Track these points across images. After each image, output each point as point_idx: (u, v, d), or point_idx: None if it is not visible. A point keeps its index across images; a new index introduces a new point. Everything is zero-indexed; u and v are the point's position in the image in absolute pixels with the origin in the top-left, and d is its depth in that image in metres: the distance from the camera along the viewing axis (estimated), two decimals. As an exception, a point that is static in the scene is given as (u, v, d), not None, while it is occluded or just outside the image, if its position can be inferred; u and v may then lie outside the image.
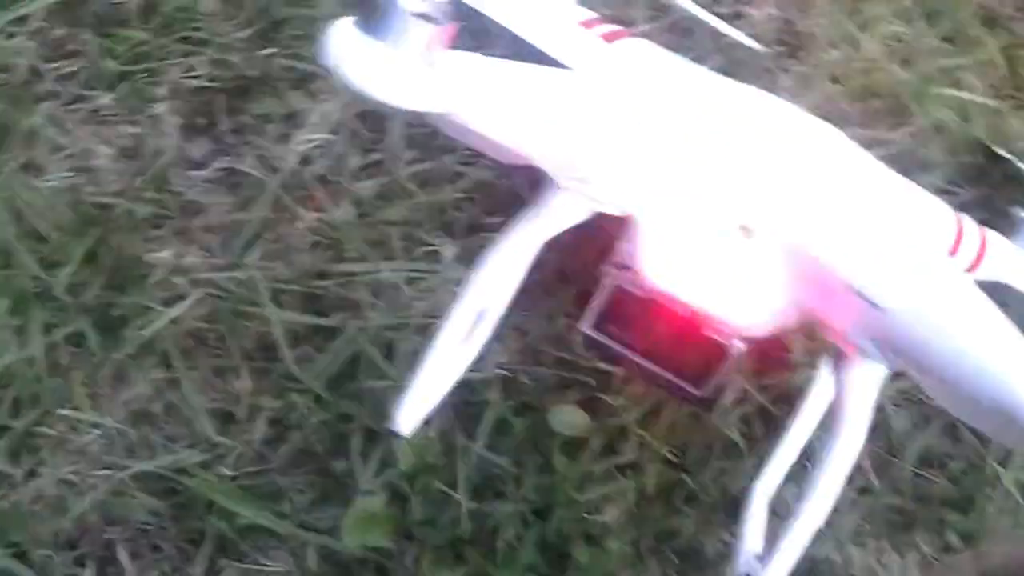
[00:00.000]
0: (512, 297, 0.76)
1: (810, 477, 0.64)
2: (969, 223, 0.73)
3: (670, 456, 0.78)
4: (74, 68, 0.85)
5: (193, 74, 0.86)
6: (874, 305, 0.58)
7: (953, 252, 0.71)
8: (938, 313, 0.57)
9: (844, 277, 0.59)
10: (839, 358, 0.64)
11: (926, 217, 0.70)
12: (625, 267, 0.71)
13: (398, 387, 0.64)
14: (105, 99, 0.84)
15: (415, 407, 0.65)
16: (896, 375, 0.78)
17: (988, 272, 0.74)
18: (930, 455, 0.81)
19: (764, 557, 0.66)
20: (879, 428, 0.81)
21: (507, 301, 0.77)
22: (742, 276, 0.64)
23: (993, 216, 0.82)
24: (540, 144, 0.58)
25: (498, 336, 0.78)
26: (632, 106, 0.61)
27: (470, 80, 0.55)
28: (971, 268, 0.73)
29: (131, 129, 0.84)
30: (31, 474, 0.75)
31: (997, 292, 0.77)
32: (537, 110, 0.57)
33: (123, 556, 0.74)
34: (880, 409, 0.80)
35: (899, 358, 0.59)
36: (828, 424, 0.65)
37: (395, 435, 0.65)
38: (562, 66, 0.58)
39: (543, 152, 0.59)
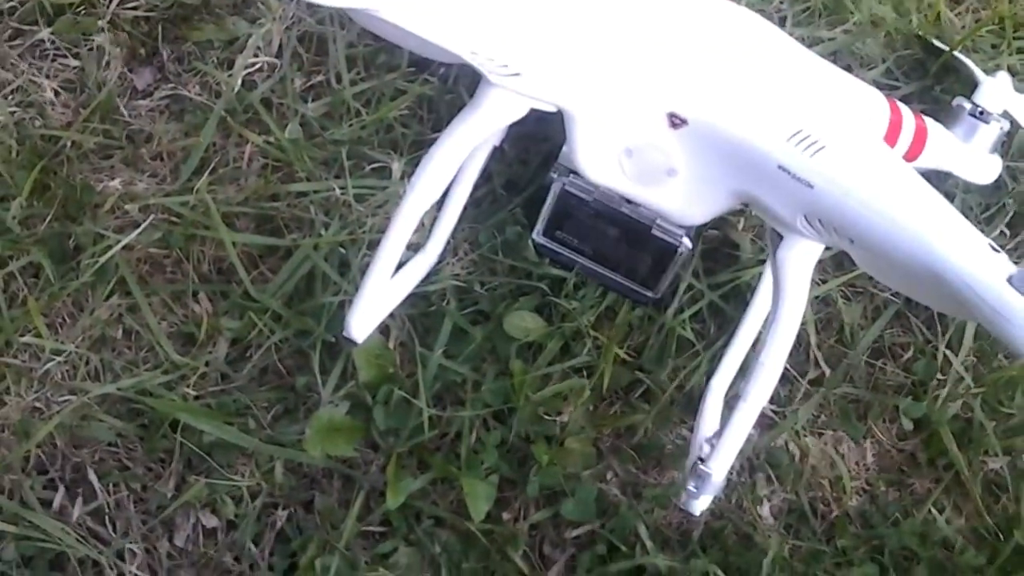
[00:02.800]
0: (461, 202, 0.83)
1: (755, 357, 0.71)
2: (907, 112, 0.79)
3: (625, 356, 0.84)
4: (12, 3, 0.90)
5: (131, 4, 0.90)
6: (801, 181, 0.64)
7: (889, 137, 0.78)
8: (860, 185, 0.62)
9: (773, 157, 0.65)
10: (774, 239, 0.70)
11: (853, 100, 0.76)
12: (571, 172, 0.77)
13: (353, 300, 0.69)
14: (44, 33, 0.89)
15: (365, 313, 0.70)
16: (843, 267, 0.85)
17: (932, 160, 0.81)
18: (882, 345, 0.87)
19: (714, 439, 0.73)
20: (831, 321, 0.87)
21: (459, 207, 0.83)
22: (675, 166, 0.70)
23: (933, 107, 0.89)
24: (470, 40, 0.62)
25: (451, 249, 0.84)
26: None
27: None
28: (911, 155, 0.80)
29: (73, 62, 0.89)
30: (-3, 403, 0.82)
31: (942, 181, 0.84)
32: (470, 6, 0.61)
33: (93, 477, 0.80)
34: (831, 302, 0.87)
35: (829, 232, 0.65)
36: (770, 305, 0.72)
37: (349, 342, 0.71)
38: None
39: (474, 47, 0.62)
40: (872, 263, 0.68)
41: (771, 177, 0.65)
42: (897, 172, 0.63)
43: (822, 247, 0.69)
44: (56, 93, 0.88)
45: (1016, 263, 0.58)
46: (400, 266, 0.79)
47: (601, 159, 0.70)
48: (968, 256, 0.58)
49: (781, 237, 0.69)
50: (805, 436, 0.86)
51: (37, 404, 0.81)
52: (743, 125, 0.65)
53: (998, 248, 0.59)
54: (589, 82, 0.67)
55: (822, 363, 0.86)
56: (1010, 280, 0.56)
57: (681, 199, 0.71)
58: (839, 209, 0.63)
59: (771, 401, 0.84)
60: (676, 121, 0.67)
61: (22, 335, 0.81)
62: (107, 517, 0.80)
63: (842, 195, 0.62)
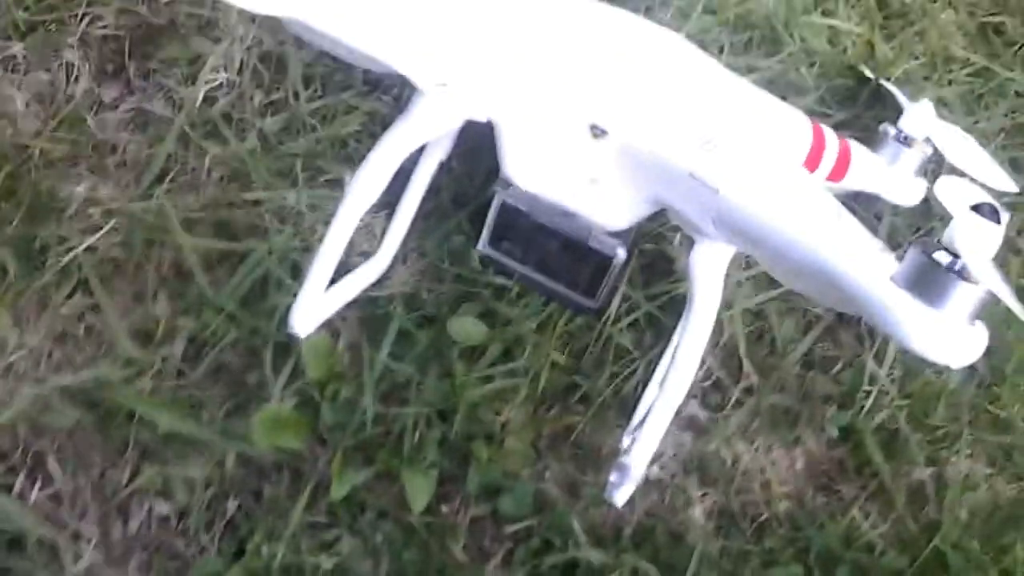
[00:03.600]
0: (410, 213, 0.93)
1: (671, 355, 0.81)
2: (831, 135, 0.90)
3: (564, 362, 0.93)
4: (-14, 19, 1.01)
5: (101, 24, 1.01)
6: (709, 187, 0.74)
7: (812, 157, 0.88)
8: (761, 191, 0.72)
9: (684, 164, 0.74)
10: (688, 243, 0.79)
11: (774, 120, 0.87)
12: (511, 185, 0.87)
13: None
14: (17, 48, 0.99)
15: (307, 309, 0.77)
16: (777, 283, 0.95)
17: (857, 181, 0.92)
18: (812, 357, 0.97)
19: (636, 431, 0.81)
20: (763, 334, 0.98)
21: (408, 217, 0.93)
22: (599, 173, 0.80)
23: (863, 133, 1.00)
24: (399, 50, 0.70)
25: (400, 257, 0.94)
26: (486, 10, 0.74)
27: None
28: (835, 175, 0.91)
29: (44, 76, 0.99)
30: (-40, 392, 0.90)
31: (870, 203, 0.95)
32: (399, 18, 0.69)
33: (52, 464, 0.90)
34: (763, 316, 0.98)
35: (735, 236, 0.74)
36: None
37: (293, 336, 0.79)
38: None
39: (402, 57, 0.70)
40: (775, 266, 0.77)
41: (683, 183, 0.74)
42: (793, 181, 0.74)
43: (733, 250, 0.77)
44: (27, 104, 0.99)
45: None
46: (351, 271, 0.90)
47: (529, 167, 0.80)
48: (854, 257, 0.66)
49: (694, 241, 0.78)
50: (737, 442, 0.94)
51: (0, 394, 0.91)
52: (655, 135, 0.75)
53: (886, 249, 0.67)
54: (514, 93, 0.76)
55: (754, 373, 0.95)
56: (892, 278, 0.65)
57: (605, 205, 0.81)
58: (740, 214, 0.72)
59: (704, 407, 0.94)
60: (597, 132, 0.78)
61: (-13, 331, 0.92)
62: (65, 501, 0.88)
63: (744, 201, 0.72)
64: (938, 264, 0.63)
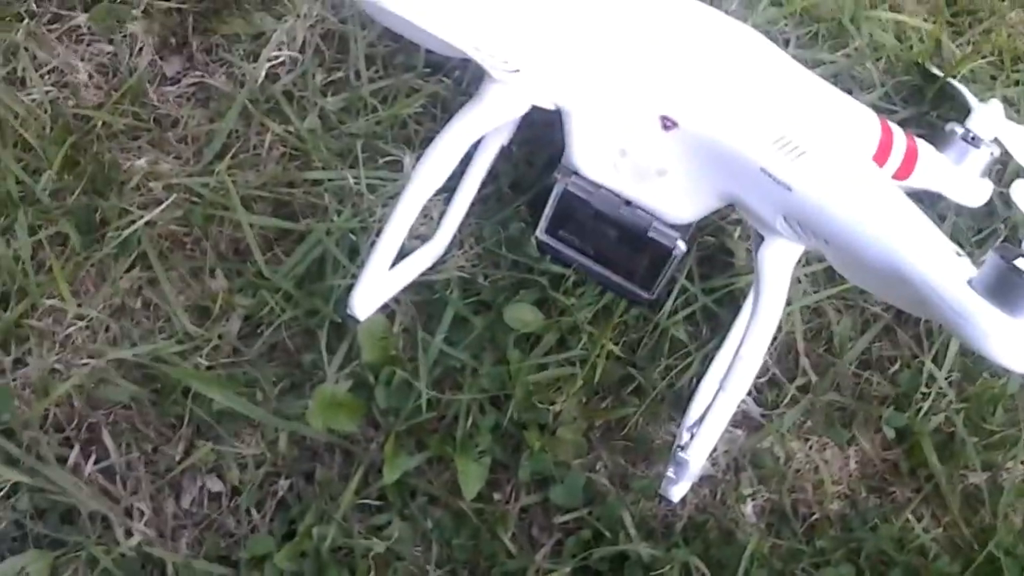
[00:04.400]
0: (469, 198, 0.93)
1: (735, 352, 0.81)
2: (899, 132, 0.89)
3: (619, 353, 0.93)
4: (52, -12, 1.02)
5: (165, -3, 1.02)
6: (781, 184, 0.74)
7: (880, 154, 0.87)
8: (835, 189, 0.71)
9: (755, 160, 0.74)
10: (756, 239, 0.78)
11: (843, 115, 0.86)
12: (574, 174, 0.87)
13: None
14: (81, 18, 0.99)
15: (367, 292, 0.78)
16: (835, 280, 0.94)
17: (922, 180, 0.91)
18: (869, 356, 0.96)
19: (694, 427, 0.81)
20: (821, 331, 0.97)
21: (466, 202, 0.93)
22: (667, 165, 0.80)
23: (928, 131, 0.99)
24: (474, 36, 0.70)
25: (457, 242, 0.94)
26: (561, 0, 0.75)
27: None
28: (902, 174, 0.90)
29: (107, 47, 1.00)
30: (19, 362, 0.90)
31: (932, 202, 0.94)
32: (475, 4, 0.69)
33: (106, 438, 0.90)
34: (823, 313, 0.97)
35: (805, 233, 0.73)
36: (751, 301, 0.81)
37: (351, 319, 0.79)
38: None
39: (477, 43, 0.70)
40: (845, 264, 0.76)
41: (754, 179, 0.74)
42: (870, 179, 0.72)
43: (802, 248, 0.77)
44: (90, 76, 0.99)
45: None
46: (408, 254, 0.89)
47: (596, 157, 0.80)
48: (931, 260, 0.66)
49: (763, 237, 0.77)
50: (790, 440, 0.94)
51: (57, 365, 0.90)
52: (729, 129, 0.74)
53: (962, 253, 0.67)
54: (586, 82, 0.75)
55: (810, 371, 0.94)
56: (970, 283, 0.64)
57: (671, 198, 0.80)
58: (814, 211, 0.71)
59: (759, 404, 0.94)
60: (668, 123, 0.77)
61: (47, 299, 0.92)
62: (118, 476, 0.89)
63: (818, 198, 0.71)
64: (1019, 271, 0.62)
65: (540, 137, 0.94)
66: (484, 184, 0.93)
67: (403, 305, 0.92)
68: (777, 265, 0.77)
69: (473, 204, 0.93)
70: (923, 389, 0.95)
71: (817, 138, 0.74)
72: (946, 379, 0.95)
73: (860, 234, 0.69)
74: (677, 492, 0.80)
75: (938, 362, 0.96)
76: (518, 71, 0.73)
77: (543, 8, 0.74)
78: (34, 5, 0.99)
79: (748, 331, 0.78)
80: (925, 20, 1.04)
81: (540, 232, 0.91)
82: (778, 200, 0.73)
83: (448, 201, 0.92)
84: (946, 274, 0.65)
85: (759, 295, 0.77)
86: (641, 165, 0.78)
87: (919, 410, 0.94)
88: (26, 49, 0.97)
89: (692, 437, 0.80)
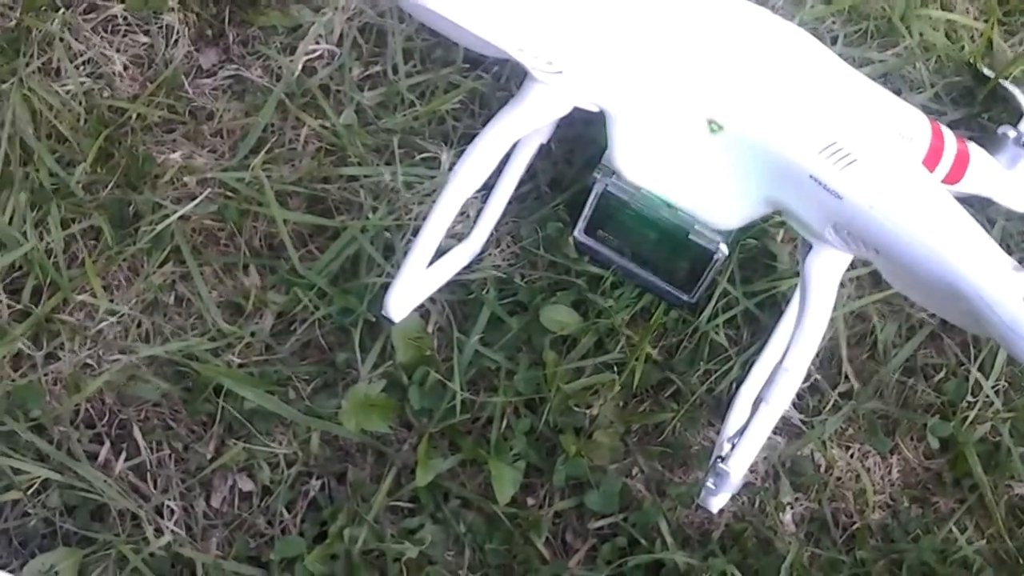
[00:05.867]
0: (506, 196, 0.92)
1: (779, 362, 0.79)
2: (950, 136, 0.87)
3: (657, 356, 0.92)
4: (88, -22, 1.01)
5: (201, -13, 1.02)
6: (831, 192, 0.72)
7: (930, 159, 0.86)
8: (887, 199, 0.69)
9: (805, 167, 0.72)
10: (804, 247, 0.77)
11: (894, 119, 0.84)
12: (614, 173, 0.86)
13: (395, 282, 0.77)
14: (117, 9, 0.99)
15: (403, 294, 0.78)
16: (880, 285, 0.93)
17: (973, 185, 0.89)
18: (914, 364, 0.94)
19: (735, 438, 0.79)
20: (865, 337, 0.95)
21: (503, 200, 0.92)
22: (711, 170, 0.78)
23: (979, 134, 0.97)
24: (518, 37, 0.69)
25: (494, 240, 0.93)
26: (606, 1, 0.73)
27: None
28: (952, 178, 0.88)
29: (143, 39, 0.99)
30: (50, 357, 0.90)
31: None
32: (519, 5, 0.69)
33: (137, 434, 0.90)
34: (867, 319, 0.95)
35: (855, 243, 0.72)
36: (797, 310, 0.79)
37: (387, 320, 0.79)
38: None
39: (521, 44, 0.70)
40: (895, 275, 0.75)
41: (803, 186, 0.72)
42: (924, 188, 0.70)
43: (850, 257, 0.76)
44: (125, 67, 0.98)
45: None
46: (444, 253, 0.89)
47: (640, 160, 0.79)
48: (986, 273, 0.65)
49: (810, 246, 0.76)
50: (832, 447, 0.92)
51: (89, 361, 0.90)
52: (777, 135, 0.73)
53: (1019, 267, 0.65)
54: (630, 84, 0.74)
55: (852, 377, 0.93)
56: None
57: (716, 203, 0.79)
58: (865, 221, 0.70)
59: (800, 411, 0.92)
60: (714, 126, 0.76)
61: (79, 294, 0.92)
62: (148, 474, 0.89)
63: (869, 208, 0.70)
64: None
65: (580, 135, 0.93)
66: (522, 182, 0.93)
67: (438, 305, 0.91)
68: (825, 275, 0.76)
69: (510, 202, 0.92)
70: (969, 398, 0.94)
71: (868, 144, 0.72)
72: (993, 388, 0.93)
73: (913, 245, 0.68)
74: (717, 503, 0.79)
75: (984, 371, 0.94)
76: (561, 72, 0.72)
77: (587, 8, 0.72)
78: (71, -6, 0.99)
79: (792, 342, 0.76)
80: (976, 19, 1.02)
81: (578, 232, 0.90)
82: (828, 209, 0.72)
83: (485, 199, 0.91)
84: (1002, 289, 0.63)
85: (805, 305, 0.76)
86: (685, 169, 0.77)
87: (964, 419, 0.93)
88: (61, 39, 0.97)
89: (733, 448, 0.78)
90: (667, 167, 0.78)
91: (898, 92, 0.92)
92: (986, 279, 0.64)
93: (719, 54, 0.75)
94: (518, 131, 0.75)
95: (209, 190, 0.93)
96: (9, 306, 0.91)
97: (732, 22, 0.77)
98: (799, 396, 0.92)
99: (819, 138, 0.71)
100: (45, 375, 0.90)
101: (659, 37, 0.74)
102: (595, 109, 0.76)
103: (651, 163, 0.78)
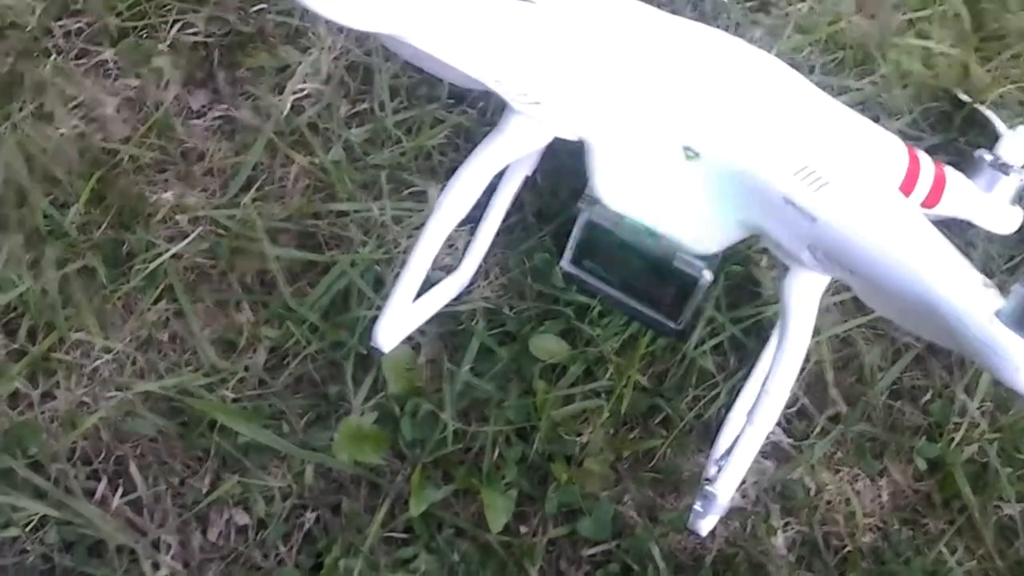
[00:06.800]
0: (494, 228, 0.94)
1: (761, 384, 0.81)
2: (926, 160, 0.89)
3: (646, 383, 0.93)
4: (79, 24, 1.03)
5: (191, 31, 1.04)
6: (806, 215, 0.73)
7: (907, 183, 0.87)
8: (860, 220, 0.71)
9: (779, 190, 0.74)
10: (782, 270, 0.78)
11: (869, 144, 0.85)
12: (598, 203, 0.87)
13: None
14: (108, 53, 1.01)
15: (392, 324, 0.79)
16: (864, 309, 0.94)
17: (951, 208, 0.91)
18: (900, 387, 0.96)
19: (721, 460, 0.81)
20: (851, 361, 0.97)
21: (491, 232, 0.94)
22: (690, 196, 0.79)
23: (957, 158, 0.98)
24: (495, 69, 0.71)
25: (483, 272, 0.95)
26: (582, 33, 0.75)
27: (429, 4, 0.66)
28: (930, 202, 0.90)
29: (134, 82, 1.02)
30: (47, 395, 0.92)
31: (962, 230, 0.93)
32: (496, 38, 0.70)
33: (133, 470, 0.91)
34: (852, 343, 0.97)
35: (831, 263, 0.73)
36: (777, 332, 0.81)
37: (376, 351, 0.80)
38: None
39: (498, 76, 0.71)
40: (871, 295, 0.77)
41: (778, 209, 0.74)
42: (894, 208, 0.72)
43: (827, 279, 0.77)
44: (117, 110, 1.01)
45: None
46: (433, 285, 0.90)
47: (619, 187, 0.80)
48: (958, 291, 0.66)
49: (788, 268, 0.77)
50: (821, 471, 0.93)
51: (85, 398, 0.92)
52: (751, 158, 0.75)
53: (990, 284, 0.67)
54: (607, 114, 0.76)
55: (840, 401, 0.94)
56: (997, 315, 0.64)
57: (695, 228, 0.80)
58: (838, 242, 0.71)
59: (789, 435, 0.94)
60: (690, 153, 0.78)
61: (75, 332, 0.93)
62: (145, 509, 0.90)
63: (843, 229, 0.71)
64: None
65: (565, 166, 0.95)
66: (509, 214, 0.95)
67: (428, 336, 0.93)
68: (803, 296, 0.77)
69: (498, 234, 0.94)
70: (955, 419, 0.95)
71: (842, 167, 0.74)
72: (979, 409, 0.95)
73: (885, 265, 0.69)
74: (705, 526, 0.80)
75: (970, 392, 0.95)
76: (539, 103, 0.73)
77: (563, 40, 0.74)
78: (61, 41, 1.02)
79: (774, 363, 0.78)
80: (952, 46, 1.04)
81: (565, 262, 0.91)
82: (803, 230, 0.73)
83: (473, 231, 0.93)
84: (973, 305, 0.65)
85: (785, 327, 0.78)
86: (664, 196, 0.79)
87: (951, 440, 0.94)
88: (54, 84, 0.99)
89: (720, 470, 0.80)
90: (646, 194, 0.80)
91: (876, 119, 0.94)
92: (956, 296, 0.65)
93: (694, 83, 0.77)
94: (499, 162, 0.77)
95: (201, 228, 0.95)
96: (5, 346, 0.93)
97: (707, 52, 0.79)
98: (787, 420, 0.93)
99: (792, 161, 0.73)
100: (42, 413, 0.91)
101: (635, 67, 0.76)
102: (574, 138, 0.77)
103: (630, 190, 0.80)
